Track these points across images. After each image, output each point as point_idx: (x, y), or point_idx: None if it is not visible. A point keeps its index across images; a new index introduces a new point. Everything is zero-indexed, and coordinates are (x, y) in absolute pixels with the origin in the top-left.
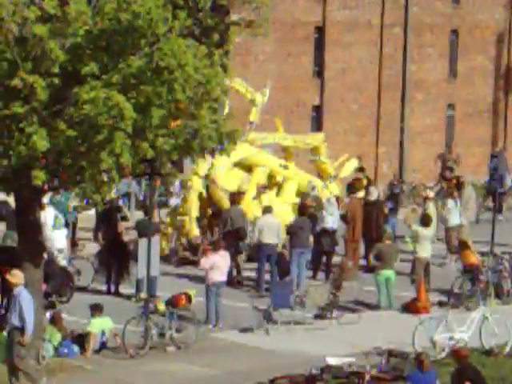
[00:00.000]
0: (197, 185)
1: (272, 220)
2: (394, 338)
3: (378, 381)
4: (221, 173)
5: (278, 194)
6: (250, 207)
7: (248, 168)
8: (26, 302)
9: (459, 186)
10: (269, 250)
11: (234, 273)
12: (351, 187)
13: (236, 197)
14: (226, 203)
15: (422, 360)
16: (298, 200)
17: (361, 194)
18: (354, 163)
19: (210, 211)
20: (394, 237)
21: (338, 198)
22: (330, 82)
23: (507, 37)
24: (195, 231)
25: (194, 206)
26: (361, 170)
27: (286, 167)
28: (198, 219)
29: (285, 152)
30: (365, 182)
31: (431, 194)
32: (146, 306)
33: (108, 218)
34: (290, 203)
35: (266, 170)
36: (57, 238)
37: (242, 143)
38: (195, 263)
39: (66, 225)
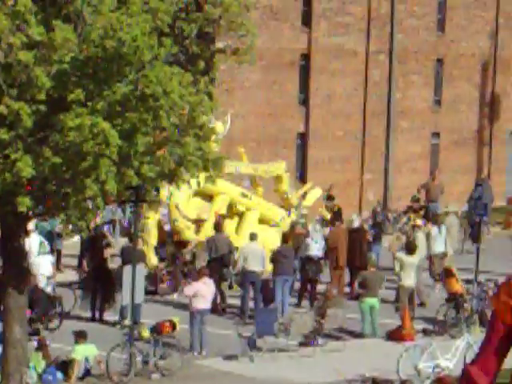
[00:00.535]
0: (155, 213)
1: (256, 247)
2: (379, 366)
3: None
4: (182, 201)
5: (239, 223)
6: (209, 235)
7: (209, 196)
8: None
9: (427, 216)
10: (253, 277)
11: (218, 300)
12: (335, 215)
13: (220, 224)
14: (187, 232)
15: None
16: (258, 229)
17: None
18: (317, 192)
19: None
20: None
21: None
22: (316, 109)
23: (492, 65)
24: (154, 260)
25: (152, 234)
26: (330, 198)
27: (246, 196)
28: (157, 248)
29: (251, 181)
30: (334, 210)
31: (419, 221)
32: (131, 332)
33: (93, 245)
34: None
35: (226, 199)
36: (42, 264)
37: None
38: (153, 293)
39: (51, 251)
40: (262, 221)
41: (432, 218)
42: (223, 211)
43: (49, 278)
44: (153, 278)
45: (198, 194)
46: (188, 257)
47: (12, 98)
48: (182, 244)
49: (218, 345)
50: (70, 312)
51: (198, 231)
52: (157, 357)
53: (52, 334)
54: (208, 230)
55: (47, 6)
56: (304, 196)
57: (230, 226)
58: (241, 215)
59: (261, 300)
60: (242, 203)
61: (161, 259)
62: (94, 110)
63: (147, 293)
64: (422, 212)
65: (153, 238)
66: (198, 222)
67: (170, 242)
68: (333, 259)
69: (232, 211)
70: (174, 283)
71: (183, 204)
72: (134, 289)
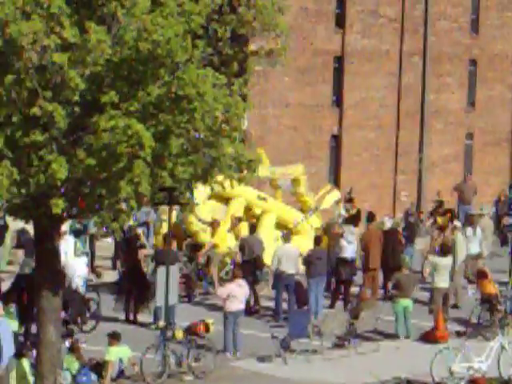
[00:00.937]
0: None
1: (291, 249)
2: (413, 367)
3: None
4: (198, 204)
5: (256, 226)
6: (225, 239)
7: (225, 199)
8: (4, 332)
9: (452, 219)
10: (287, 279)
11: (252, 302)
12: (370, 216)
13: (254, 226)
14: (203, 235)
15: None
16: (275, 232)
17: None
18: (334, 195)
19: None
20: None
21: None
22: (349, 110)
23: None
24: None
25: (160, 239)
26: (350, 200)
27: (264, 199)
28: None
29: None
30: (353, 212)
31: (458, 223)
32: (165, 334)
33: (128, 246)
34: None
35: (242, 202)
36: (77, 266)
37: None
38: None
39: (86, 252)
40: (278, 224)
41: (467, 219)
42: (240, 214)
43: (85, 279)
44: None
45: (213, 196)
46: (202, 260)
47: (46, 99)
48: (197, 247)
49: (252, 346)
50: (99, 314)
51: (213, 234)
52: (190, 358)
53: (86, 335)
54: (223, 234)
55: (81, 8)
56: (322, 199)
57: (245, 228)
58: (257, 218)
59: (294, 302)
60: (259, 206)
61: None
62: (127, 112)
63: None
64: (448, 215)
65: (161, 243)
66: (214, 224)
67: (185, 244)
68: (365, 261)
69: (248, 214)
70: (189, 286)
71: (199, 207)
72: (168, 290)
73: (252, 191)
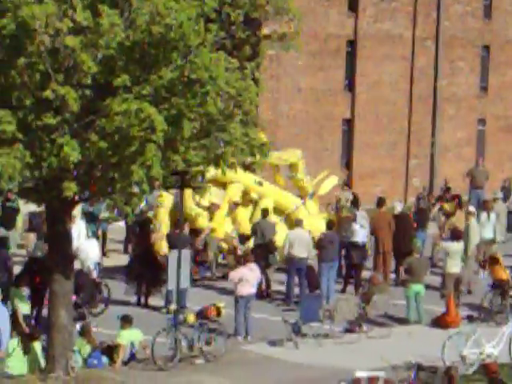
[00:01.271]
0: (167, 201)
1: (303, 233)
2: (424, 352)
3: None
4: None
5: (253, 211)
6: (223, 224)
7: (222, 184)
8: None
9: (460, 205)
10: (298, 263)
11: (264, 286)
12: (379, 201)
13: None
14: (200, 220)
15: (452, 374)
16: (274, 217)
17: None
18: (333, 181)
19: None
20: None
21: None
22: (362, 95)
23: None
24: (165, 249)
25: (163, 223)
26: (346, 185)
27: (260, 184)
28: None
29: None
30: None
31: (472, 209)
32: (176, 317)
33: (140, 230)
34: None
35: (240, 187)
36: (90, 249)
37: None
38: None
39: (96, 236)
40: (276, 209)
41: (480, 204)
42: (237, 199)
43: (97, 262)
44: (163, 267)
45: (210, 181)
46: (200, 245)
47: (58, 83)
48: (195, 232)
49: (263, 330)
50: (107, 298)
51: (210, 218)
52: (202, 342)
53: (97, 319)
54: (221, 218)
55: None
56: (319, 184)
57: (243, 213)
58: (255, 203)
59: (306, 286)
60: (256, 191)
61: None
62: (140, 95)
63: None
64: (455, 201)
65: (164, 226)
66: (212, 208)
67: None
68: (375, 245)
69: (246, 199)
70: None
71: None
72: (180, 274)
73: (249, 176)
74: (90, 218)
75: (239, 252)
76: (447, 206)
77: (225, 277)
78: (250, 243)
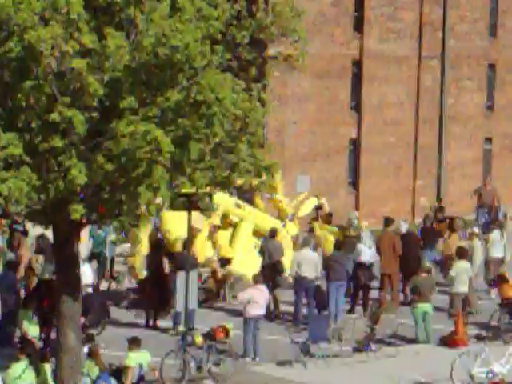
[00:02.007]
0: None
1: (310, 254)
2: (432, 372)
3: None
4: (169, 213)
5: (232, 234)
6: (204, 247)
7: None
8: None
9: (451, 227)
10: (306, 283)
11: (272, 306)
12: (386, 221)
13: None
14: (179, 244)
15: None
16: (253, 240)
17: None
18: (312, 202)
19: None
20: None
21: (296, 238)
22: (368, 115)
23: None
24: (145, 273)
25: (143, 246)
26: (319, 207)
27: (239, 206)
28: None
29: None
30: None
31: (476, 230)
32: (184, 339)
33: (151, 251)
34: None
35: (220, 209)
36: (85, 273)
37: None
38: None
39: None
40: (256, 232)
41: (491, 222)
42: (217, 222)
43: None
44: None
45: None
46: None
47: (65, 105)
48: (173, 256)
49: (272, 351)
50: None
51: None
52: (210, 363)
53: (101, 339)
54: (201, 242)
55: (100, 13)
56: (299, 205)
57: (223, 236)
58: (234, 226)
59: (314, 306)
60: (236, 214)
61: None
62: (146, 117)
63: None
64: (446, 222)
65: (144, 248)
66: (193, 232)
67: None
68: (381, 265)
69: (226, 222)
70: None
71: (171, 216)
72: (188, 295)
73: (229, 199)
74: (99, 241)
75: (219, 276)
76: (438, 227)
77: (204, 302)
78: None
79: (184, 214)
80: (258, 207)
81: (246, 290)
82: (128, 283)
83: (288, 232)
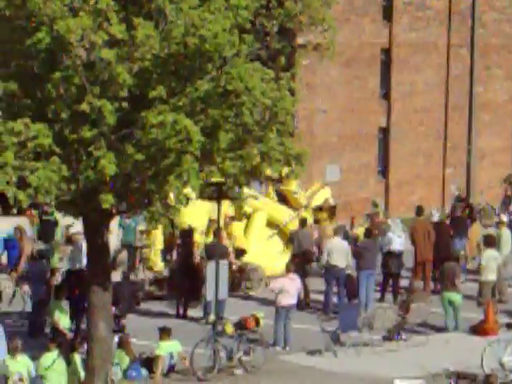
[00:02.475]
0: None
1: (341, 242)
2: (463, 360)
3: None
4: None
5: (247, 225)
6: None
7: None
8: None
9: (472, 215)
10: (337, 272)
11: (302, 295)
12: (418, 209)
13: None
14: (196, 235)
15: (492, 382)
16: (267, 230)
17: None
18: (326, 192)
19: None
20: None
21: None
22: (397, 103)
23: None
24: (160, 265)
25: (158, 238)
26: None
27: (255, 197)
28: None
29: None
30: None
31: (504, 217)
32: (215, 328)
33: (182, 240)
34: None
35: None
36: None
37: None
38: (161, 299)
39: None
40: (270, 222)
41: None
42: (232, 213)
43: None
44: (159, 282)
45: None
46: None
47: (94, 95)
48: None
49: (302, 340)
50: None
51: (207, 234)
52: (240, 352)
53: (135, 330)
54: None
55: (128, 3)
56: (313, 196)
57: (238, 227)
58: (248, 217)
59: (344, 295)
60: (250, 204)
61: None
62: (176, 107)
63: (155, 298)
64: (465, 211)
65: (158, 242)
66: (211, 224)
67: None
68: (415, 253)
69: (240, 213)
70: None
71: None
72: (218, 284)
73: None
74: (129, 231)
75: (234, 267)
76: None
77: None
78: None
79: (199, 206)
80: (271, 197)
81: (277, 279)
82: (142, 275)
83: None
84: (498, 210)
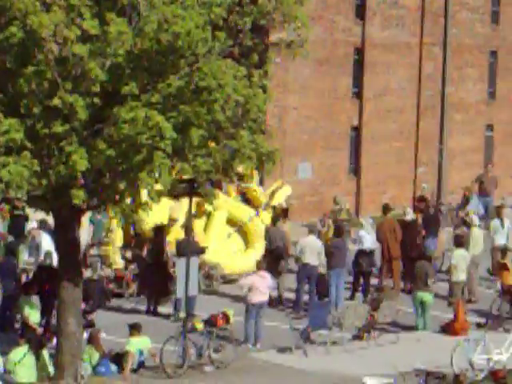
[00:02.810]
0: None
1: (314, 241)
2: (432, 359)
3: None
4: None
5: (207, 223)
6: (179, 236)
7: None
8: None
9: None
10: (309, 270)
11: (275, 293)
12: (385, 208)
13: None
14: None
15: (461, 381)
16: (227, 229)
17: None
18: (286, 191)
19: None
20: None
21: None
22: (369, 102)
23: None
24: (119, 262)
25: (118, 235)
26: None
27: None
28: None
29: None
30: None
31: (475, 217)
32: (185, 325)
33: (155, 236)
34: None
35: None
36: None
37: None
38: (120, 296)
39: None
40: (230, 220)
41: (491, 210)
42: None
43: None
44: (117, 280)
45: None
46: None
47: (67, 91)
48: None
49: (272, 338)
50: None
51: (167, 232)
52: (210, 349)
53: (105, 326)
54: (177, 232)
55: None
56: (273, 194)
57: (198, 225)
58: (208, 214)
59: (315, 293)
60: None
61: (127, 261)
62: (148, 103)
63: (114, 295)
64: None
65: (118, 239)
66: (170, 223)
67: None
68: (382, 252)
69: (200, 211)
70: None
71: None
72: (188, 281)
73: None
74: (100, 226)
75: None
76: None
77: None
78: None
79: (164, 202)
80: (230, 196)
81: (247, 276)
82: (101, 271)
83: (262, 221)
84: (456, 210)
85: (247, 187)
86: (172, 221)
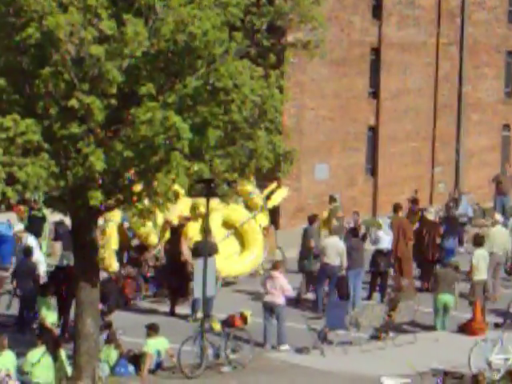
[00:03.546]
0: (116, 216)
1: (336, 242)
2: (450, 359)
3: None
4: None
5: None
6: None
7: None
8: None
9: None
10: (330, 270)
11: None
12: (395, 207)
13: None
14: (152, 237)
15: (479, 381)
16: (223, 231)
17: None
18: (282, 193)
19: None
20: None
21: (266, 229)
22: (386, 102)
23: None
24: (114, 265)
25: (113, 238)
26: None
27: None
28: (118, 252)
29: None
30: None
31: (498, 216)
32: (202, 325)
33: (172, 236)
34: None
35: (189, 200)
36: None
37: None
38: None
39: None
40: (226, 222)
41: (511, 210)
42: (187, 213)
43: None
44: (113, 283)
45: None
46: (151, 262)
47: (84, 92)
48: (144, 248)
49: (290, 338)
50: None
51: (162, 235)
52: (228, 350)
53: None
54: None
55: (118, 0)
56: (269, 197)
57: (193, 228)
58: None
59: (335, 294)
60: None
61: (122, 264)
62: (165, 104)
63: None
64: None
65: (114, 242)
66: (165, 225)
67: (132, 246)
68: (393, 251)
69: (195, 213)
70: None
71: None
72: (206, 282)
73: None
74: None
75: (190, 268)
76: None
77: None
78: None
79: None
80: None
81: (266, 277)
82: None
83: (259, 223)
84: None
85: (243, 189)
86: (166, 223)
